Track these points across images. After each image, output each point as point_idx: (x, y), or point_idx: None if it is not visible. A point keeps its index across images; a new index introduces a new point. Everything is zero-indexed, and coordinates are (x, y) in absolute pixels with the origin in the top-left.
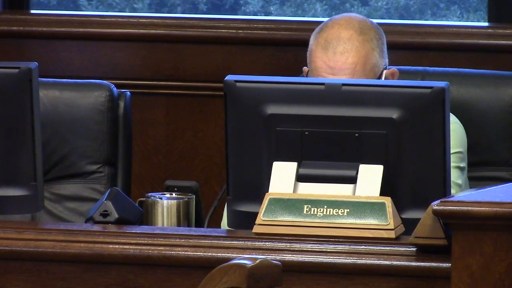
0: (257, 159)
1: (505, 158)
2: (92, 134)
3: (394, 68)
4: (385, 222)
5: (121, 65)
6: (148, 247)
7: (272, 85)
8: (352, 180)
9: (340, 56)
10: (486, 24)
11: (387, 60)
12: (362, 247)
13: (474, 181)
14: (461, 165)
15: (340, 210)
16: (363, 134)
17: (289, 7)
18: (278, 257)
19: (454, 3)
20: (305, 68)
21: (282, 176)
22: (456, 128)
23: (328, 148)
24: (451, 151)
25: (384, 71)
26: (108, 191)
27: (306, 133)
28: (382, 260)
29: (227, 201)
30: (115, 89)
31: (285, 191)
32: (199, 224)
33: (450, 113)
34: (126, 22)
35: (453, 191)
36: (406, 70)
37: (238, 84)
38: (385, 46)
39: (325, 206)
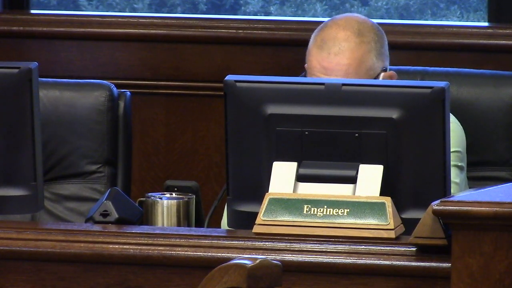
0: (257, 159)
1: (505, 158)
2: (92, 134)
3: (392, 71)
4: (385, 222)
5: (121, 65)
6: (148, 247)
7: (272, 85)
8: (352, 180)
9: (334, 56)
10: (486, 24)
11: (387, 63)
12: (362, 247)
13: (474, 181)
14: (459, 164)
15: (340, 210)
16: (363, 134)
17: (289, 7)
18: (278, 257)
19: (454, 3)
20: (306, 66)
21: (282, 176)
22: (454, 128)
23: (328, 148)
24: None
25: (382, 74)
26: (108, 191)
27: (306, 133)
28: (382, 260)
29: (227, 201)
30: (115, 89)
31: (285, 191)
32: (199, 224)
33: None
34: (126, 22)
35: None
36: (406, 70)
37: (238, 84)
38: (386, 48)
39: (325, 206)
